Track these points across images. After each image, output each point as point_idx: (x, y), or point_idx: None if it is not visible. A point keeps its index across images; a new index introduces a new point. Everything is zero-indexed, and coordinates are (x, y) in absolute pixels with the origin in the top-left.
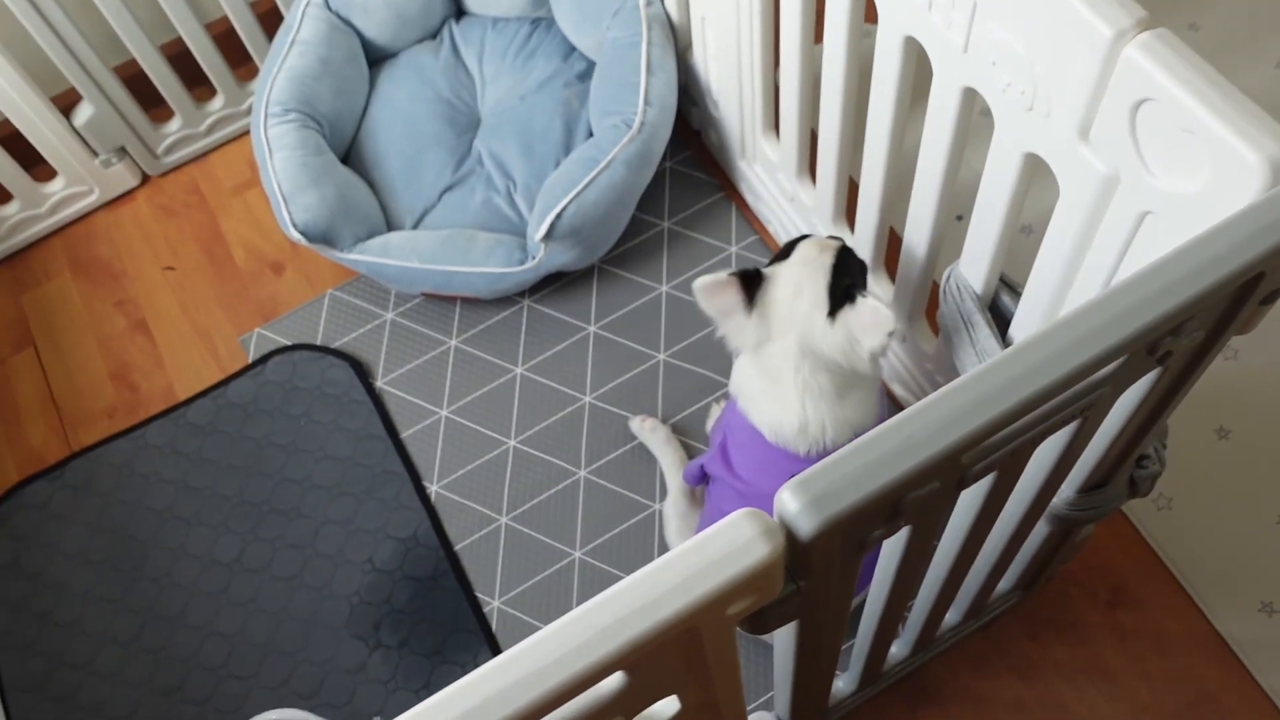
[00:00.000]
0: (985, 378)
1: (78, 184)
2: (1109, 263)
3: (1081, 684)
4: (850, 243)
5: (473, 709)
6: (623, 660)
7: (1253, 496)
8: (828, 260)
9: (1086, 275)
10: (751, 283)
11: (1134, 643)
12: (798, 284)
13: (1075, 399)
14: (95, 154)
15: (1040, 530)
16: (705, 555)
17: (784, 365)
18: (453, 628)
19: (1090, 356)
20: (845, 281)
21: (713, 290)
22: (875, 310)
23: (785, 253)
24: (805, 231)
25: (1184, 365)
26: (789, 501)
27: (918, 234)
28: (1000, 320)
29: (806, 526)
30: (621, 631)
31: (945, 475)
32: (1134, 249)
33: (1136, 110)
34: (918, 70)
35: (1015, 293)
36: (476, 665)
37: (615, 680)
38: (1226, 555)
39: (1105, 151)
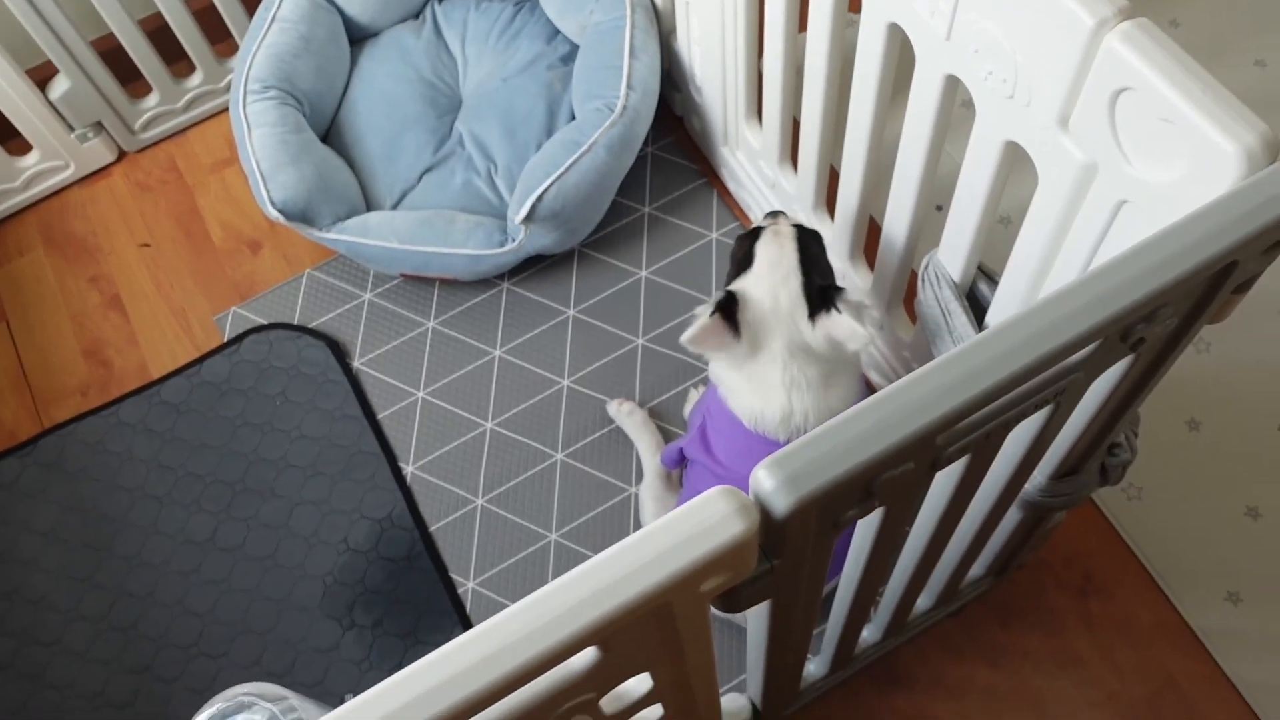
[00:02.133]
0: (960, 360)
1: (53, 158)
2: (1085, 252)
3: (1051, 671)
4: (826, 229)
5: (445, 681)
6: (595, 635)
7: (1221, 487)
8: (792, 256)
9: (1063, 264)
10: (729, 308)
11: (1103, 631)
12: (773, 291)
13: (1049, 383)
14: (71, 128)
15: (1012, 517)
16: (679, 531)
17: (771, 367)
18: (427, 609)
19: (1064, 341)
20: (818, 281)
21: (702, 338)
22: (851, 328)
23: (745, 257)
24: None
25: (1157, 353)
26: (764, 479)
27: (897, 223)
28: (977, 308)
29: (781, 504)
30: (594, 607)
31: (919, 456)
32: (1110, 238)
33: (1116, 99)
34: (900, 62)
35: (993, 281)
36: None
37: (588, 655)
38: (1195, 545)
39: (1084, 140)
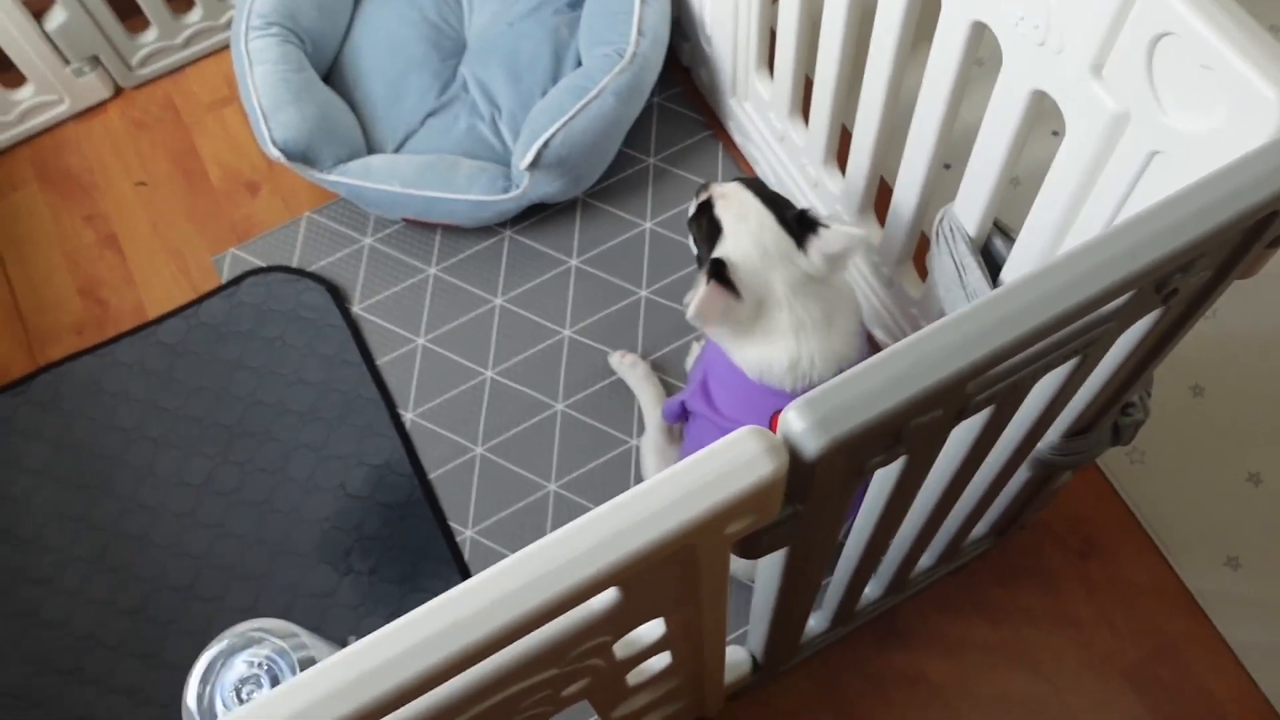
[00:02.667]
0: (998, 304)
1: (47, 92)
2: (1110, 207)
3: (1049, 631)
4: (836, 184)
5: (471, 616)
6: (620, 575)
7: (1223, 453)
8: (754, 203)
9: (1086, 220)
10: (722, 274)
11: (1102, 593)
12: (756, 241)
13: (1082, 332)
14: (67, 62)
15: (1020, 475)
16: (709, 470)
17: (777, 314)
18: (424, 556)
19: (1103, 287)
20: (787, 213)
21: (707, 308)
22: (845, 234)
23: (711, 226)
24: (791, 169)
25: (1185, 307)
26: (795, 420)
27: (910, 182)
28: (991, 265)
29: (811, 446)
30: (622, 544)
31: (949, 403)
32: (1138, 191)
33: (1155, 45)
34: (921, 10)
35: (1008, 238)
36: None
37: (609, 596)
38: (1195, 510)
39: (1118, 88)
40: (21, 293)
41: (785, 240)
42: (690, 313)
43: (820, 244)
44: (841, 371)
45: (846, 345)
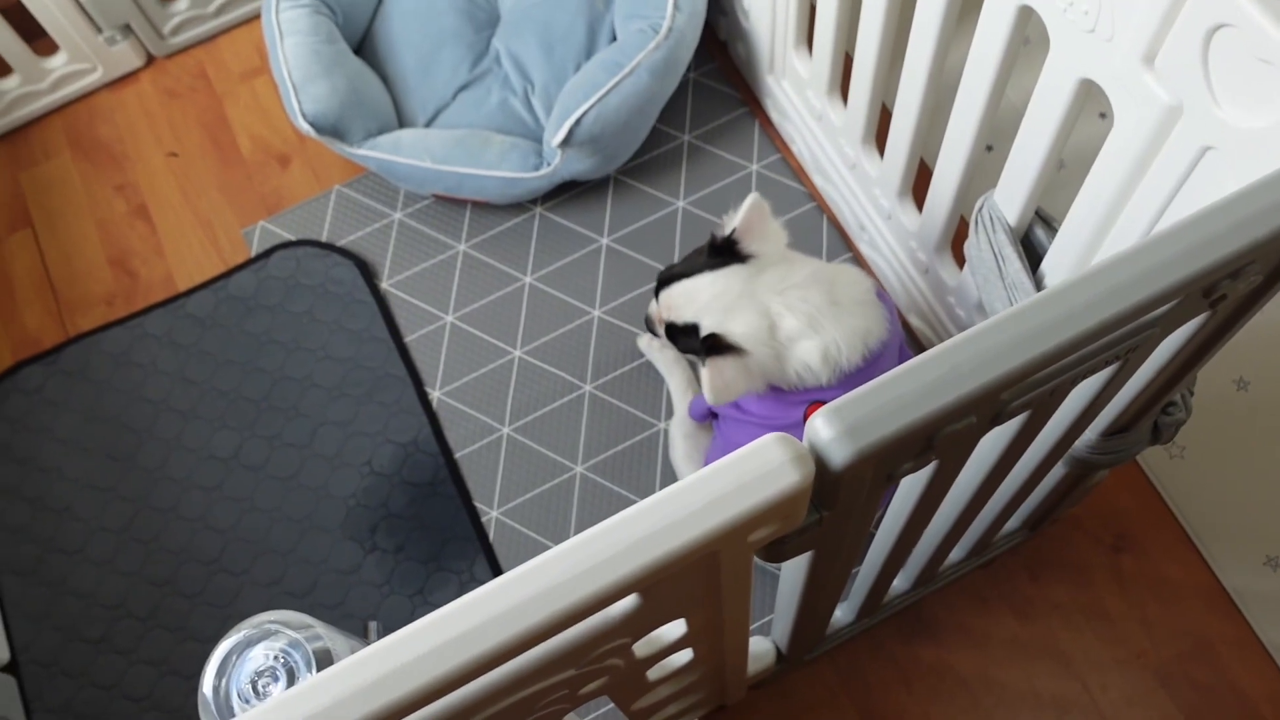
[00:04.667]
0: (1038, 310)
1: (80, 61)
2: (1159, 200)
3: (1079, 626)
4: (874, 166)
5: (485, 623)
6: (640, 582)
7: (1266, 449)
8: (686, 283)
9: (1132, 213)
10: (718, 345)
11: (1135, 588)
12: (723, 294)
13: (1125, 338)
14: (99, 30)
15: (1056, 472)
16: (733, 479)
17: (785, 323)
18: (449, 535)
19: (1149, 294)
20: (707, 259)
21: (732, 382)
22: (745, 208)
23: (686, 327)
24: (829, 149)
25: (1233, 310)
26: (822, 429)
27: (950, 164)
28: (1032, 255)
29: (839, 456)
30: (643, 552)
31: (983, 411)
32: (1189, 186)
33: (1211, 36)
34: None
35: (1050, 228)
36: (472, 574)
37: (629, 602)
38: (1235, 507)
39: (1170, 80)
40: (53, 262)
41: (731, 271)
42: (710, 397)
43: (746, 239)
44: (869, 346)
45: (864, 318)
